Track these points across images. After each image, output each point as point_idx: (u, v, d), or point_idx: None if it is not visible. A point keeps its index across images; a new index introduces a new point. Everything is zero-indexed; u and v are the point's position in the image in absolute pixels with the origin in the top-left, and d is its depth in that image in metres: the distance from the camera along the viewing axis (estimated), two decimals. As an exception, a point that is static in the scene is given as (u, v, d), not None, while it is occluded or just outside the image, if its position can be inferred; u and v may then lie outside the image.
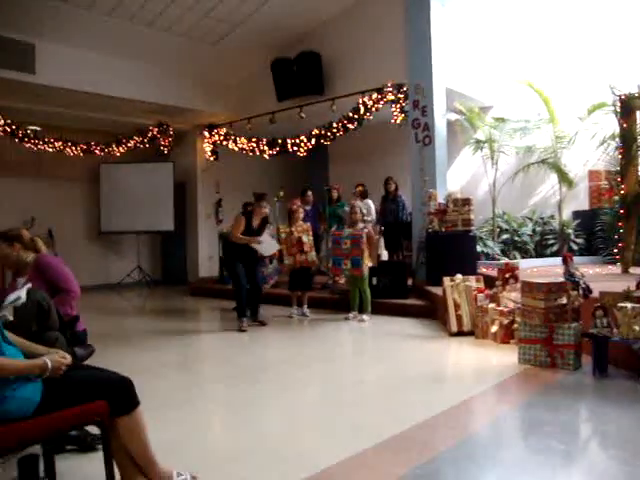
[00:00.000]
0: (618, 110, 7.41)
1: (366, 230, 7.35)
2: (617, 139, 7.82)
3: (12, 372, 2.20)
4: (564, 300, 4.68)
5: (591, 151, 9.13)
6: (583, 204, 10.31)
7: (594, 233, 9.68)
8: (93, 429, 2.98)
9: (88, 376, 2.49)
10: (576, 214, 10.23)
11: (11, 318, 2.90)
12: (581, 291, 4.79)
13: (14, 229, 3.80)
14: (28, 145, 10.89)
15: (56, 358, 2.36)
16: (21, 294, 2.97)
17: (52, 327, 3.26)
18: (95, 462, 2.90)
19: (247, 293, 7.13)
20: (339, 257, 7.34)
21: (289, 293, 8.06)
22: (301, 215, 7.93)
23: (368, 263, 7.31)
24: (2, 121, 10.23)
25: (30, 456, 2.78)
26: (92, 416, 2.39)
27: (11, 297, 3.01)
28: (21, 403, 2.20)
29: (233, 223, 7.25)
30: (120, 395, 2.45)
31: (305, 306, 7.84)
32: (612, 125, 8.16)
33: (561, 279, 4.89)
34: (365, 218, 7.84)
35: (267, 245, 7.12)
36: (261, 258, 7.65)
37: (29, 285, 3.20)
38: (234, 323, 7.21)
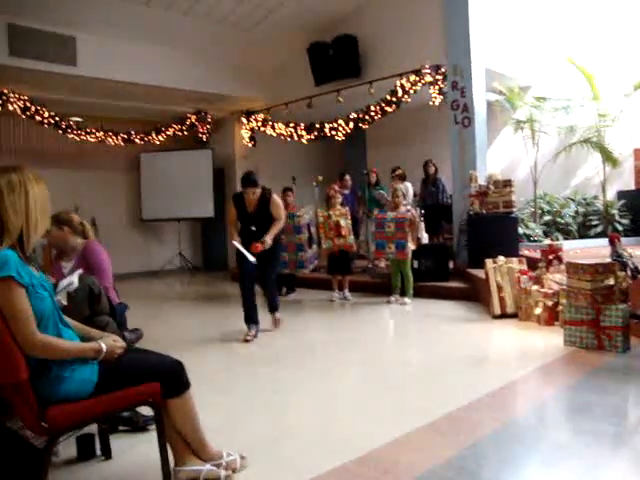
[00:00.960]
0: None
1: (409, 214, 7.31)
2: (665, 115, 7.58)
3: (69, 354, 2.27)
4: (611, 281, 4.59)
5: (637, 129, 8.87)
6: (628, 184, 10.04)
7: (640, 213, 9.44)
8: (143, 410, 3.06)
9: (142, 359, 2.56)
10: (621, 194, 9.98)
11: (65, 303, 2.99)
12: (629, 272, 4.70)
13: (64, 212, 3.89)
14: (71, 136, 11.12)
15: (110, 342, 2.43)
16: (73, 279, 3.06)
17: (103, 312, 3.37)
18: (147, 442, 2.99)
19: (250, 299, 5.78)
20: (383, 240, 7.33)
21: (329, 277, 8.09)
22: (339, 199, 7.94)
23: (412, 246, 7.28)
24: (47, 113, 10.46)
25: (87, 435, 2.89)
26: (146, 397, 2.46)
27: (64, 282, 3.10)
28: (80, 384, 2.29)
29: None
30: (172, 377, 2.52)
31: (346, 290, 7.86)
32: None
33: (608, 260, 4.80)
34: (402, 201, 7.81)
35: (246, 251, 5.49)
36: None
37: (80, 271, 3.29)
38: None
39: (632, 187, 9.97)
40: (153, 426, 2.83)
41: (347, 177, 9.77)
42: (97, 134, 11.46)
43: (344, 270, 7.92)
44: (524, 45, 9.96)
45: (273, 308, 6.06)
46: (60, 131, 10.89)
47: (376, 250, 7.62)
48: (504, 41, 9.59)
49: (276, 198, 5.75)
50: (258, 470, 2.72)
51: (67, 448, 2.97)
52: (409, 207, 7.83)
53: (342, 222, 7.70)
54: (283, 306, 7.62)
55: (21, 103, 10.01)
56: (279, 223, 5.69)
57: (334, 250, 7.79)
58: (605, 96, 9.26)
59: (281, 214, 5.73)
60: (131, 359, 2.49)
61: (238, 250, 5.55)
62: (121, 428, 3.25)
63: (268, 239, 5.47)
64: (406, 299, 7.27)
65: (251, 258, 5.38)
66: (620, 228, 9.30)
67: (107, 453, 2.92)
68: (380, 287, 8.02)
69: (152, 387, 2.45)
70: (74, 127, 11.06)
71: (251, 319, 5.72)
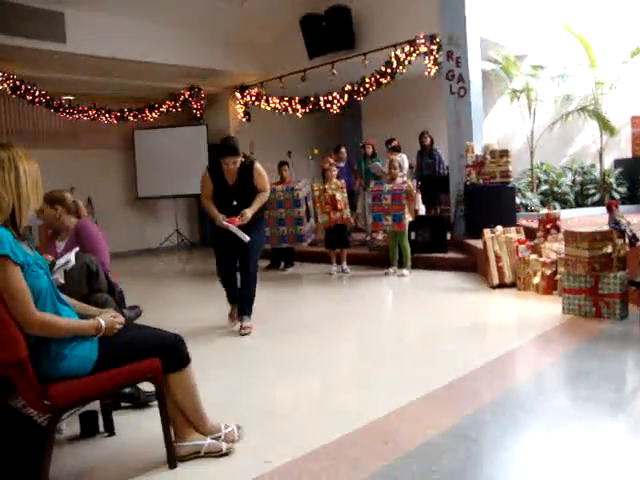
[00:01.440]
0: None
1: (405, 185, 7.28)
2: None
3: (69, 332, 2.27)
4: (609, 249, 4.59)
5: (635, 96, 8.81)
6: (625, 152, 10.01)
7: (637, 181, 9.42)
8: (145, 386, 3.07)
9: (141, 334, 2.56)
10: (618, 162, 9.95)
11: (62, 281, 2.98)
12: (627, 239, 4.69)
13: (57, 191, 3.84)
14: (63, 115, 11.00)
15: (109, 318, 2.43)
16: (70, 257, 3.04)
17: (101, 289, 3.35)
18: (150, 418, 3.01)
19: (232, 280, 5.11)
20: (380, 213, 7.31)
21: (327, 251, 8.08)
22: (335, 172, 7.89)
23: (409, 217, 7.27)
24: (37, 92, 10.33)
25: (89, 412, 2.90)
26: (147, 373, 2.46)
27: (61, 261, 3.08)
28: (80, 361, 2.29)
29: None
30: (173, 352, 2.52)
31: (344, 263, 7.84)
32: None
33: (606, 227, 4.79)
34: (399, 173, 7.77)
35: (238, 230, 4.74)
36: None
37: (77, 249, 3.27)
38: (271, 282, 7.30)
39: (629, 155, 9.94)
40: (155, 402, 2.84)
41: (342, 150, 9.71)
42: (90, 112, 11.34)
43: (342, 244, 7.90)
44: (519, 13, 9.82)
45: (246, 309, 5.01)
46: (52, 110, 10.77)
47: (373, 223, 7.60)
48: (499, 9, 9.46)
49: (259, 167, 4.93)
50: (258, 444, 2.74)
51: (70, 425, 2.99)
52: (405, 178, 7.79)
53: (338, 196, 7.66)
54: (282, 280, 7.69)
55: (11, 82, 9.86)
56: (263, 196, 4.94)
57: (330, 224, 7.77)
58: (602, 64, 9.18)
59: (266, 185, 4.96)
60: (130, 335, 2.49)
61: (218, 231, 4.85)
62: (123, 404, 3.26)
63: (248, 213, 4.73)
64: (404, 271, 7.27)
65: (245, 237, 4.71)
66: (617, 196, 9.28)
67: (110, 430, 2.94)
68: (378, 259, 8.02)
69: (153, 363, 2.46)
70: (66, 106, 10.94)
71: (232, 299, 5.17)
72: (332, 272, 7.78)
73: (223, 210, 4.81)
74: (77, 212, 3.91)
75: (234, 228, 4.69)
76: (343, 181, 7.96)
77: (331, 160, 8.47)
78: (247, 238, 4.72)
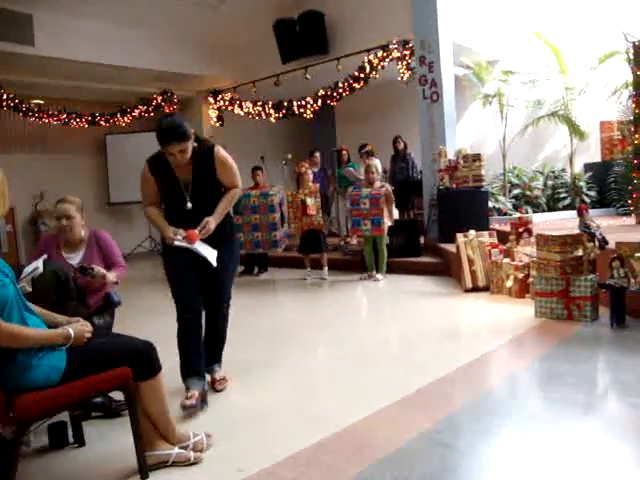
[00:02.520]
0: (631, 57, 7.21)
1: (384, 189, 7.28)
2: (630, 88, 7.65)
3: (36, 341, 2.22)
4: (580, 252, 4.65)
5: (603, 101, 8.97)
6: (595, 156, 10.19)
7: (607, 185, 9.58)
8: (116, 395, 3.02)
9: (111, 343, 2.51)
10: (588, 166, 10.12)
11: (30, 289, 2.91)
12: (597, 242, 4.75)
13: (72, 197, 3.79)
14: (33, 119, 10.83)
15: (78, 327, 2.38)
16: (38, 265, 2.98)
17: (70, 297, 3.28)
18: (121, 427, 2.96)
19: (198, 327, 3.41)
20: (358, 218, 7.29)
21: (300, 256, 8.04)
22: (310, 177, 7.86)
23: (388, 222, 7.26)
24: (5, 95, 10.13)
25: (58, 423, 2.84)
26: (117, 382, 2.42)
27: (28, 269, 3.02)
28: (48, 371, 2.23)
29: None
30: (143, 360, 2.48)
31: (325, 268, 7.69)
32: (625, 74, 7.98)
33: (576, 231, 4.85)
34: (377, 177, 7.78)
35: (203, 248, 3.27)
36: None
37: (45, 256, 3.21)
38: (245, 287, 7.24)
39: (598, 159, 10.11)
40: (127, 411, 2.79)
41: (316, 154, 9.72)
42: (60, 116, 11.17)
43: (315, 248, 7.83)
44: (491, 19, 9.95)
45: (216, 357, 3.65)
46: (20, 114, 10.58)
47: (352, 227, 7.54)
48: (471, 15, 9.57)
49: (223, 153, 3.41)
50: (235, 449, 2.71)
51: (39, 437, 2.92)
52: (384, 182, 7.80)
53: (308, 201, 7.59)
54: (256, 285, 7.64)
55: (-24, 85, 9.69)
56: (234, 194, 3.46)
57: (303, 229, 7.73)
58: (571, 69, 9.34)
59: (236, 179, 3.46)
60: (100, 343, 2.45)
61: (172, 254, 3.34)
62: (94, 414, 3.20)
63: (212, 222, 3.28)
64: (379, 275, 7.28)
65: (212, 260, 3.27)
66: (587, 200, 9.44)
67: (80, 440, 2.88)
68: (352, 264, 8.02)
69: (123, 371, 2.42)
70: (35, 110, 10.76)
71: (194, 370, 3.37)
72: (306, 277, 7.75)
73: (174, 220, 3.37)
74: None
75: (197, 247, 3.23)
76: (317, 185, 7.94)
77: (306, 164, 8.45)
78: (214, 263, 3.28)
